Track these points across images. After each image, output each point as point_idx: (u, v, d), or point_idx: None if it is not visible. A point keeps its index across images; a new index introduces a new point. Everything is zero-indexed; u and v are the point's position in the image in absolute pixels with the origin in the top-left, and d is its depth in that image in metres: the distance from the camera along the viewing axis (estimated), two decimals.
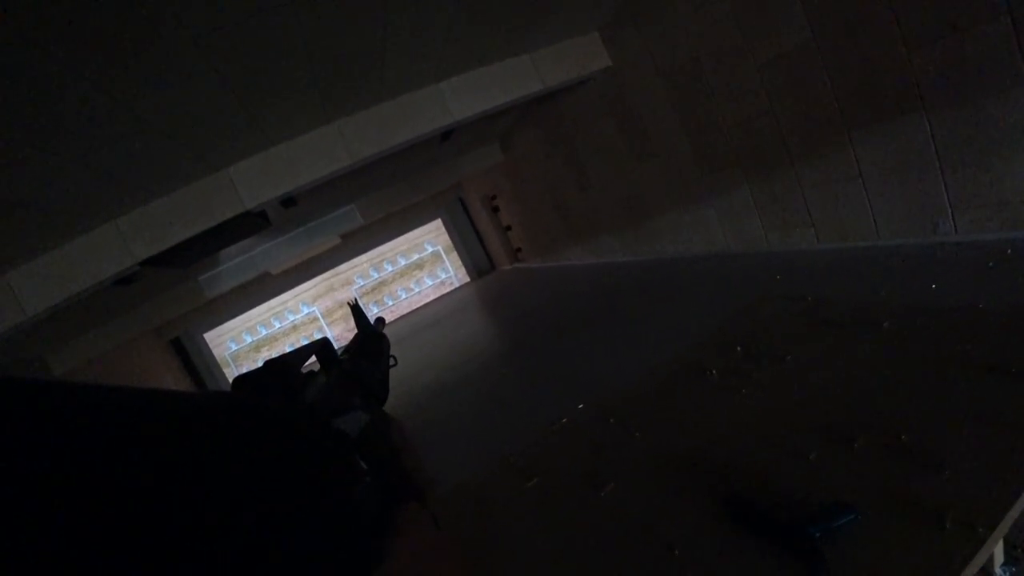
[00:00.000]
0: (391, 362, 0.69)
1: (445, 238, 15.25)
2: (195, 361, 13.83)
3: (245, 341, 14.33)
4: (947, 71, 2.89)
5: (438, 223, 15.13)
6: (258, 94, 3.32)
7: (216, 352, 14.13)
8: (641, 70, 5.03)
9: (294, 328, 14.62)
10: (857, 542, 0.81)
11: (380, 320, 0.80)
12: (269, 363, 0.46)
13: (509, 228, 12.68)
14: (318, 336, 14.34)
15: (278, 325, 14.51)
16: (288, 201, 5.07)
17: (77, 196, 3.49)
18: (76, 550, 0.19)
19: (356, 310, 0.75)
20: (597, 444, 1.32)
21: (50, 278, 4.15)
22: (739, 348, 1.56)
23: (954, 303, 1.38)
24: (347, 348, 0.65)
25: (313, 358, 0.62)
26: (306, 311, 14.65)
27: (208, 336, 14.04)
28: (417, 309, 14.85)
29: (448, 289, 15.35)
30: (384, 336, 0.75)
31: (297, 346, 0.59)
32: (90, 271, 4.21)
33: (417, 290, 15.20)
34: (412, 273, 15.18)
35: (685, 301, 4.51)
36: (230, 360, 14.23)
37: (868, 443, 1.02)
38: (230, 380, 10.55)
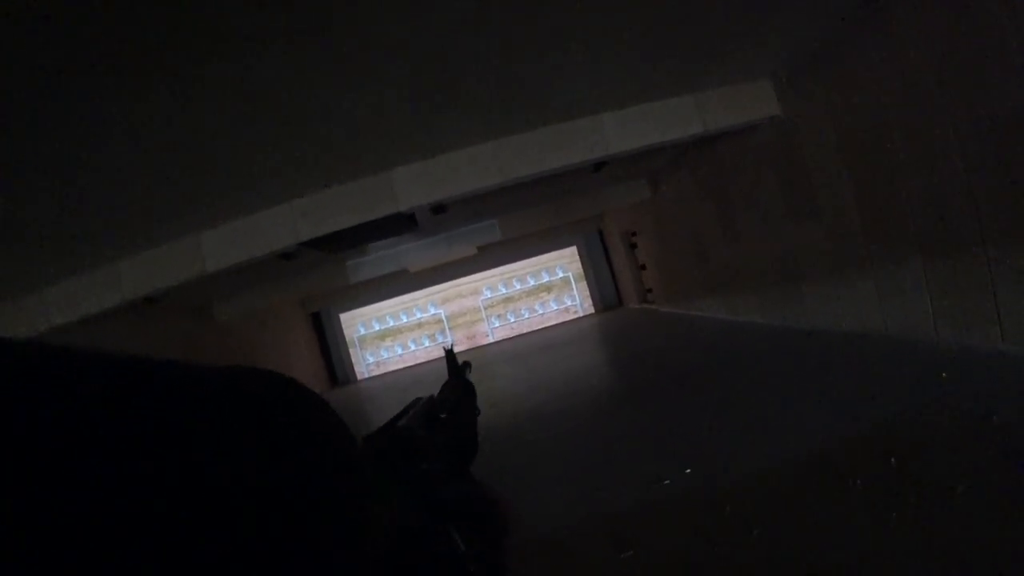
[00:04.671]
0: (476, 413, 0.66)
1: (577, 266, 15.27)
2: (327, 336, 15.13)
3: (373, 328, 15.37)
4: None
5: (573, 250, 15.21)
6: (432, 106, 3.54)
7: (346, 332, 15.33)
8: (814, 123, 4.66)
9: (419, 325, 15.40)
10: None
11: (467, 365, 0.75)
12: (393, 431, 0.44)
13: (643, 267, 12.39)
14: (442, 340, 14.95)
15: (405, 319, 15.38)
16: (438, 208, 5.35)
17: (268, 175, 3.96)
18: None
19: (450, 356, 0.71)
20: (707, 531, 1.19)
21: (231, 242, 4.79)
22: (893, 460, 1.34)
23: None
24: (441, 400, 0.61)
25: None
26: (432, 311, 15.37)
27: (343, 316, 15.28)
28: (537, 330, 14.97)
29: (571, 317, 15.30)
30: (472, 386, 0.70)
31: (408, 404, 0.55)
32: (264, 242, 4.78)
33: (540, 312, 15.34)
34: (539, 294, 15.36)
35: (829, 383, 4.04)
36: (356, 342, 15.35)
37: None
38: (352, 358, 11.34)
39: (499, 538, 0.42)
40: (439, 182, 4.64)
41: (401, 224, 5.27)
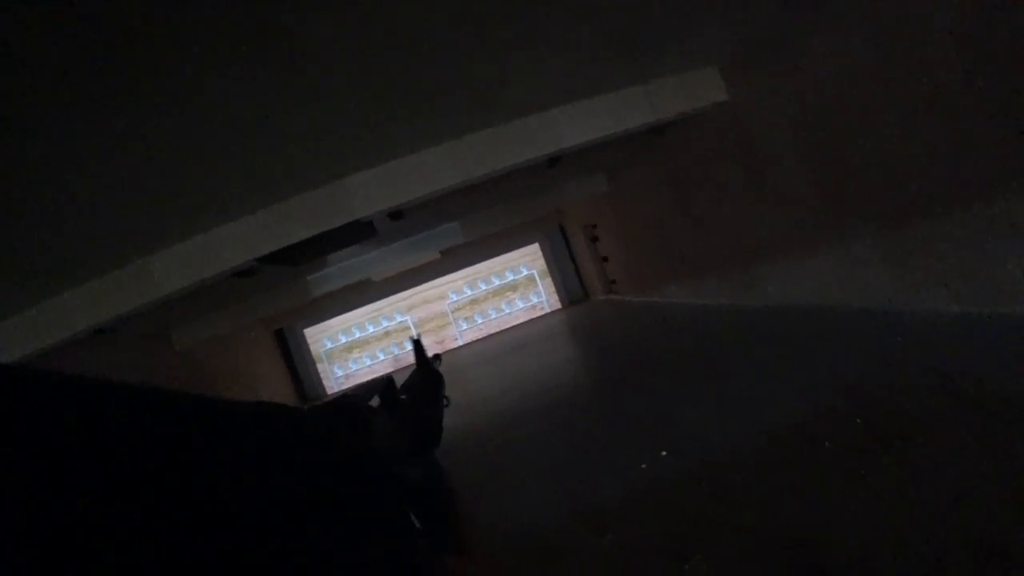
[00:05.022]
0: (445, 402, 0.66)
1: (541, 262, 15.34)
2: (293, 353, 14.80)
3: (340, 341, 15.12)
4: None
5: (535, 247, 15.27)
6: (386, 113, 3.50)
7: (313, 348, 15.04)
8: (764, 106, 4.79)
9: (386, 334, 15.22)
10: None
11: (437, 357, 0.77)
12: (340, 401, 0.43)
13: (606, 259, 12.53)
14: (409, 343, 14.81)
15: (372, 329, 15.18)
16: (396, 214, 5.29)
17: (220, 192, 3.85)
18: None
19: (418, 346, 0.74)
20: (685, 509, 1.20)
21: (185, 263, 4.62)
22: (859, 420, 1.38)
23: None
24: (406, 386, 0.62)
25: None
26: (400, 319, 15.21)
27: (308, 332, 14.98)
28: (506, 330, 14.97)
29: (539, 314, 15.36)
30: (440, 375, 0.72)
31: (364, 382, 0.56)
32: (218, 261, 4.62)
33: (508, 311, 15.35)
34: (505, 294, 15.37)
35: (793, 356, 4.16)
36: (324, 357, 15.08)
37: None
38: (321, 375, 11.26)
39: (455, 518, 0.42)
40: (395, 187, 4.59)
41: (360, 232, 5.19)
